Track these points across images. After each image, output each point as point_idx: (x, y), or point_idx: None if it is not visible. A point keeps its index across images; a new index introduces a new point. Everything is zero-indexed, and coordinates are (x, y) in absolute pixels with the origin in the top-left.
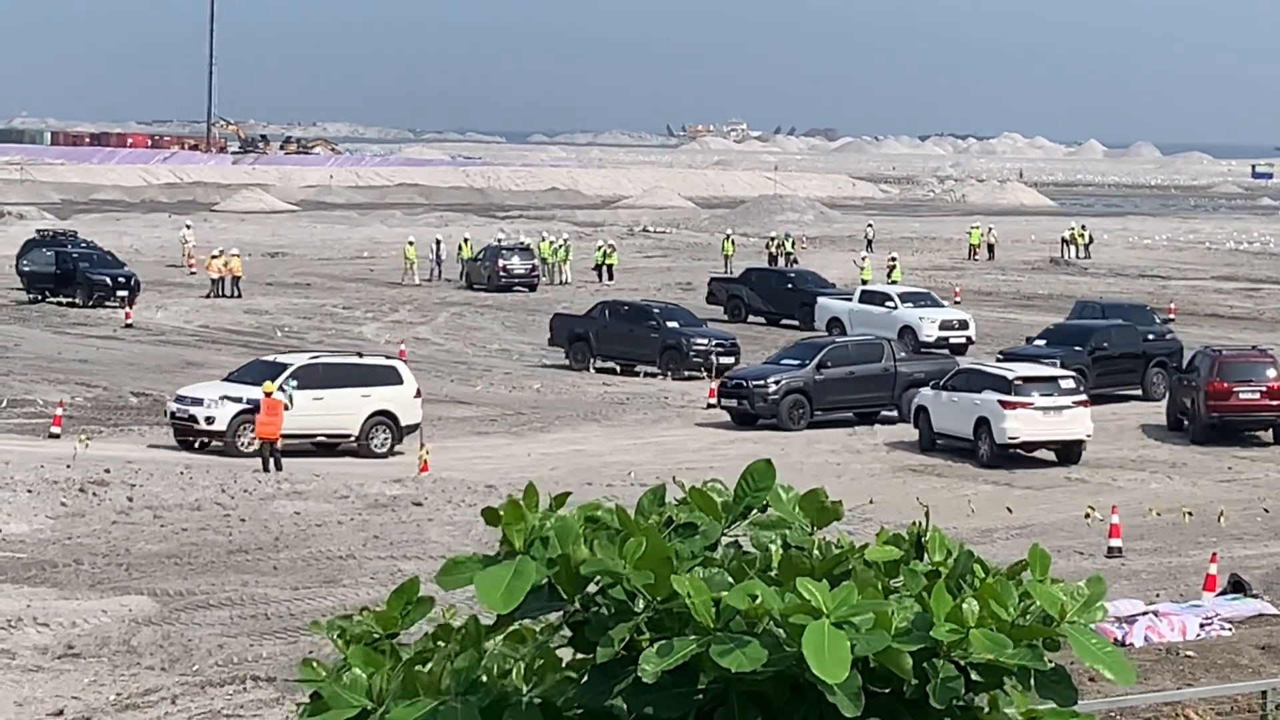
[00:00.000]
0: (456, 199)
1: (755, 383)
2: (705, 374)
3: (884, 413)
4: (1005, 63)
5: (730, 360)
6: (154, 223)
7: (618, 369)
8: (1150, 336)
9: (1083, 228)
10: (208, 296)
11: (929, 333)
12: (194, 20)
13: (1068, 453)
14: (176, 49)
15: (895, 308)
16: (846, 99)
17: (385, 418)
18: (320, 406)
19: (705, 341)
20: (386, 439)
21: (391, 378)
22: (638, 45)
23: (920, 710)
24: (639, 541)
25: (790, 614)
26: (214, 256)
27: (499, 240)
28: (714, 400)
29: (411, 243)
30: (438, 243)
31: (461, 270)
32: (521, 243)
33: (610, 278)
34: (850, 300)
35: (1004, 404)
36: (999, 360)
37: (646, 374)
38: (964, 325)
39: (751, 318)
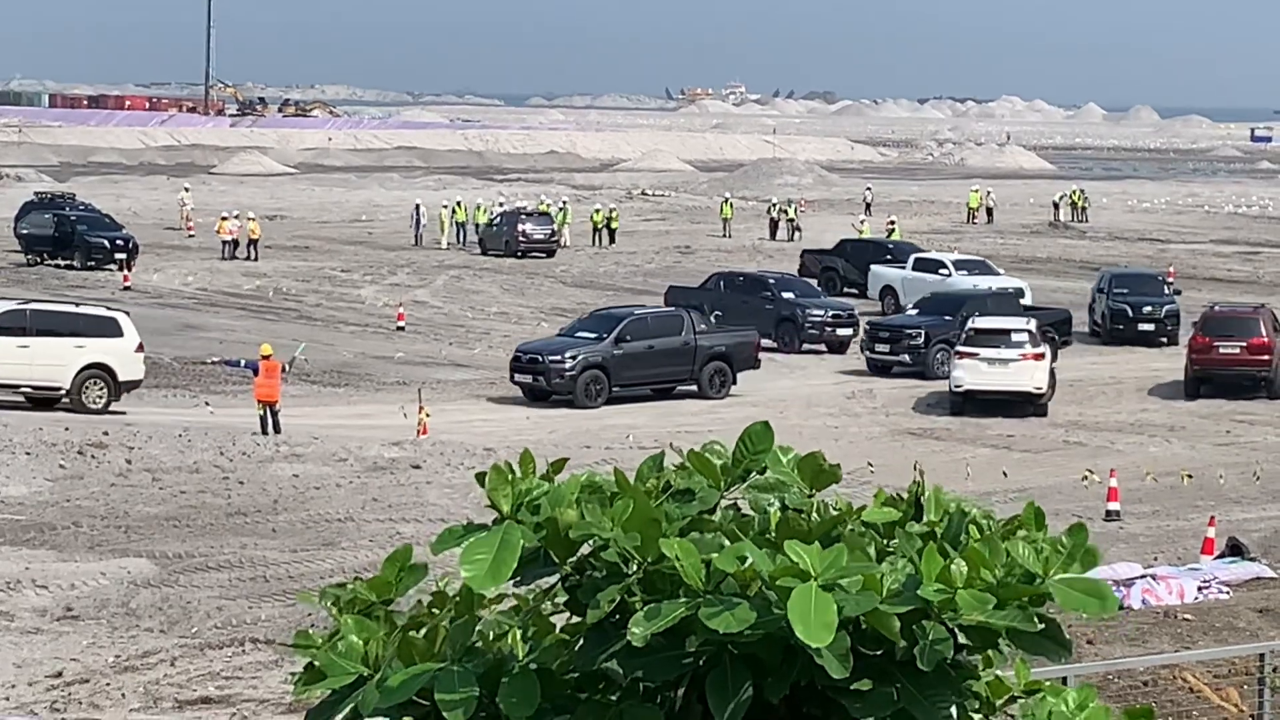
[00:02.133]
0: (455, 162)
1: (551, 358)
2: (824, 347)
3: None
4: (1005, 26)
5: (848, 332)
6: (152, 185)
7: None
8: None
9: (1080, 191)
10: (223, 259)
11: None
12: None
13: (1030, 404)
14: (174, 11)
15: (949, 275)
16: (845, 62)
17: (101, 371)
18: (25, 355)
19: (821, 313)
20: (102, 394)
21: (110, 329)
22: (636, 8)
23: (913, 672)
24: (626, 504)
25: (778, 576)
26: (224, 219)
27: (500, 204)
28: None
29: (445, 206)
30: (417, 207)
31: (458, 233)
32: (540, 208)
33: (612, 240)
34: (904, 268)
35: (957, 354)
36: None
37: (763, 348)
38: (1020, 293)
39: (846, 290)
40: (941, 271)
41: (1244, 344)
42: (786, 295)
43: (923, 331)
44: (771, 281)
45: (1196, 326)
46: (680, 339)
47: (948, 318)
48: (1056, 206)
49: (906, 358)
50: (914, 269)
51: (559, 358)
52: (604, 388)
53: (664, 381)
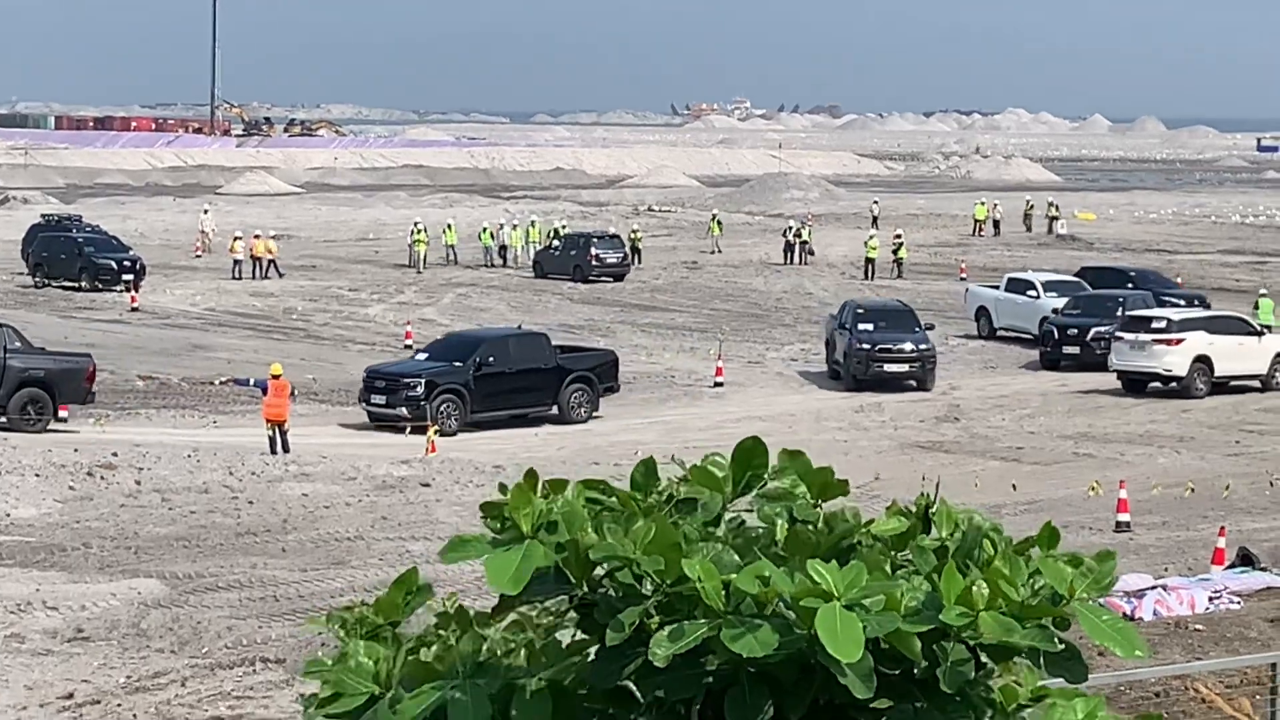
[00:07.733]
0: (461, 180)
1: None
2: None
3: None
4: (1009, 38)
5: (900, 368)
6: (158, 206)
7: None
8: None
9: (1052, 204)
10: (234, 278)
11: None
12: (196, 2)
13: (1161, 382)
14: (179, 31)
15: (1038, 296)
16: (851, 76)
17: None
18: None
19: (892, 348)
20: None
21: None
22: (641, 24)
23: (932, 690)
24: (648, 527)
25: (801, 597)
26: (236, 238)
27: (557, 226)
28: (719, 379)
29: (449, 226)
30: (416, 224)
31: (442, 254)
32: (611, 232)
33: (638, 260)
34: (998, 289)
35: (1115, 337)
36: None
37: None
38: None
39: None
40: (1030, 293)
41: None
42: (863, 328)
43: (422, 381)
44: (859, 311)
45: None
46: None
47: (458, 364)
48: (1027, 216)
49: (404, 410)
50: (1006, 290)
51: None
52: None
53: None
